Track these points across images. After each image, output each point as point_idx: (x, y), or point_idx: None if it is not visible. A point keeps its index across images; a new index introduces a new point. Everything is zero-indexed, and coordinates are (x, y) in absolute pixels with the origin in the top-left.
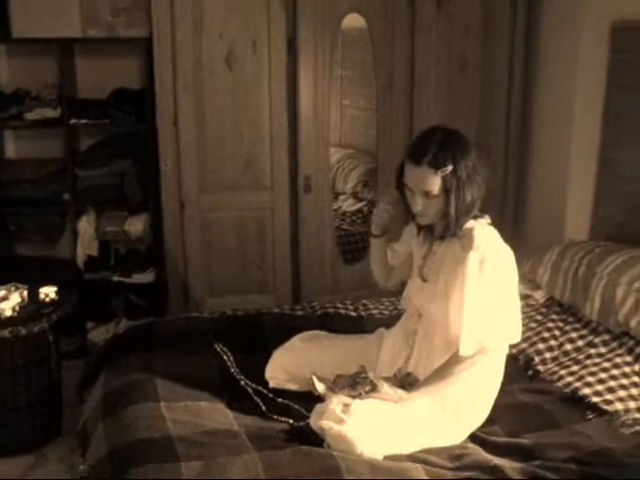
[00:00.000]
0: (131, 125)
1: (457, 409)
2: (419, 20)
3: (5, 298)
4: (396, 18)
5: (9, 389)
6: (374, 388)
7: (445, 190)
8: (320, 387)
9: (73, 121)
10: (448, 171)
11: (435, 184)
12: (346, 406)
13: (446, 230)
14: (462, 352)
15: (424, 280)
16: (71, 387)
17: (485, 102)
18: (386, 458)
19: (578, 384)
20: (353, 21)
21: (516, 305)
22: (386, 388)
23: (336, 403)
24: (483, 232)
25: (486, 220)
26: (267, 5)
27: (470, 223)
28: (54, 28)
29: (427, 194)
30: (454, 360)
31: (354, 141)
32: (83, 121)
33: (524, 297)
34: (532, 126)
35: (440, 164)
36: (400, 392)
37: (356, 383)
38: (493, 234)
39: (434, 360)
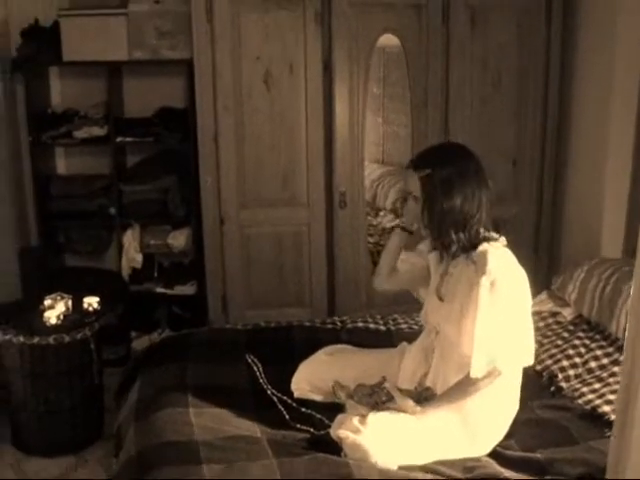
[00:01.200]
0: (175, 143)
1: (477, 426)
2: (453, 39)
3: (51, 307)
4: (430, 37)
5: (53, 393)
6: (390, 399)
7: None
8: (341, 395)
9: (119, 139)
10: (424, 173)
11: (415, 185)
12: (363, 416)
13: (438, 242)
14: (473, 374)
15: (441, 299)
16: (113, 393)
17: (520, 119)
18: (400, 468)
19: (599, 401)
20: (390, 39)
21: (529, 328)
22: (400, 400)
23: (355, 413)
24: (496, 255)
25: (501, 242)
26: (303, 27)
27: (484, 246)
28: (102, 51)
29: (414, 198)
30: (466, 381)
31: (395, 158)
32: (129, 139)
33: (553, 314)
34: (567, 143)
35: (419, 166)
36: (413, 405)
37: (374, 393)
38: (507, 257)
39: (450, 378)
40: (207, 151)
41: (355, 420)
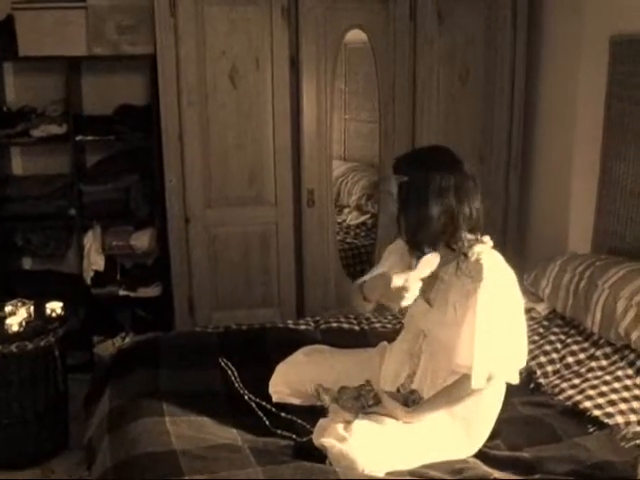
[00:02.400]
0: (137, 141)
1: (467, 426)
2: (420, 34)
3: (12, 314)
4: (398, 32)
5: (16, 403)
6: (377, 403)
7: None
8: (326, 398)
9: (79, 137)
10: (402, 180)
11: (394, 187)
12: (348, 423)
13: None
14: (475, 385)
15: (429, 303)
16: (78, 401)
17: (487, 114)
18: (387, 475)
19: (579, 397)
20: (356, 35)
21: (523, 331)
22: (388, 404)
23: (338, 420)
24: (490, 260)
25: (489, 243)
26: (270, 22)
27: (475, 251)
28: (60, 46)
29: (393, 200)
30: (461, 386)
31: (358, 154)
32: (89, 137)
33: (526, 310)
34: (534, 138)
35: (398, 171)
36: (402, 409)
37: (360, 396)
38: (499, 261)
39: (439, 380)
40: (171, 149)
41: (340, 428)
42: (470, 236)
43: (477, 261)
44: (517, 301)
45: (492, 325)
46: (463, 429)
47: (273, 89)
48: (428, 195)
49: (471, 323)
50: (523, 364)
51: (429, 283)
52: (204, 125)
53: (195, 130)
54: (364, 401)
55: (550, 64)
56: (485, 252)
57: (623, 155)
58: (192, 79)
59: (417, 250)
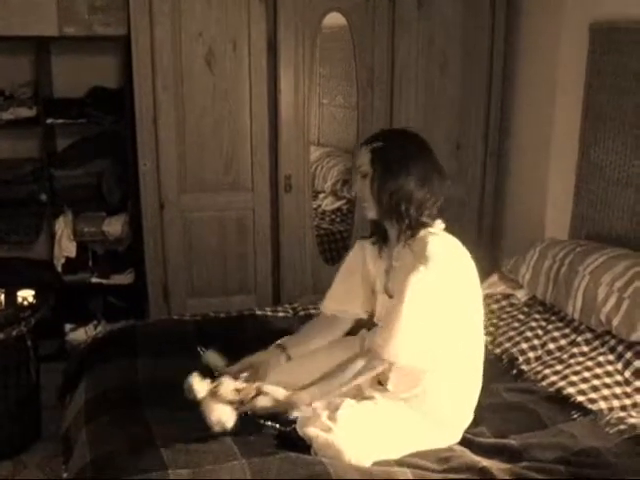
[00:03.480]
0: (109, 125)
1: (439, 414)
2: (400, 19)
3: None
4: (377, 17)
5: None
6: (258, 394)
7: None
8: (198, 391)
9: (49, 120)
10: (376, 145)
11: (365, 159)
12: (333, 413)
13: (385, 220)
14: (388, 357)
15: (390, 296)
16: (50, 391)
17: (465, 101)
18: (374, 464)
19: (562, 383)
20: (332, 19)
21: (471, 317)
22: (274, 390)
23: (322, 409)
24: (436, 241)
25: (439, 226)
26: (247, 4)
27: (422, 233)
28: (30, 26)
29: (362, 173)
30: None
31: (333, 139)
32: (60, 121)
33: (506, 297)
34: (512, 125)
35: (372, 140)
36: (285, 392)
37: (240, 390)
38: (447, 241)
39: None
40: (145, 133)
41: (324, 417)
42: (422, 219)
43: (422, 240)
44: (465, 286)
45: (422, 307)
46: (435, 421)
47: (250, 72)
48: (405, 159)
49: (399, 304)
50: (480, 353)
51: (387, 274)
52: (179, 109)
53: (170, 114)
54: (244, 395)
55: (529, 51)
56: (433, 235)
57: (601, 142)
58: (167, 62)
59: (390, 217)
